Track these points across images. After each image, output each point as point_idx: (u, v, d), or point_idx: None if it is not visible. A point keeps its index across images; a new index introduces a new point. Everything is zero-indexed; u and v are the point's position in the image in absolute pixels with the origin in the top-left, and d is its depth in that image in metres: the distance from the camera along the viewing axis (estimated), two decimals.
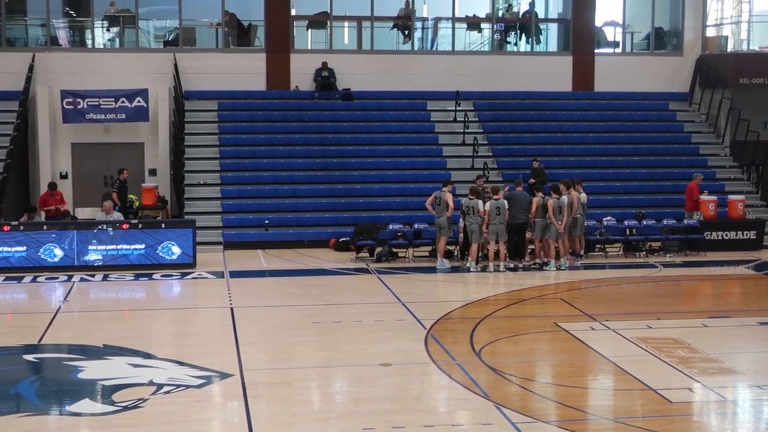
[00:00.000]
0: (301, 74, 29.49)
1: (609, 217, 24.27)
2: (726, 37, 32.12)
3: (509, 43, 32.15)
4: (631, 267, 22.22)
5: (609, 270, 21.95)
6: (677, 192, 26.92)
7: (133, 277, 20.53)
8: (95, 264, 21.16)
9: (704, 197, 24.59)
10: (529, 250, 22.27)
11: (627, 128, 29.72)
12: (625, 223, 23.89)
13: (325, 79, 29.27)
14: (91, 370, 13.20)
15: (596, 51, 31.06)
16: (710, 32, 31.87)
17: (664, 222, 23.99)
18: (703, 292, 20.45)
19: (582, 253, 22.51)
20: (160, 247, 21.47)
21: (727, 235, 24.28)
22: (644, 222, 23.86)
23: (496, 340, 14.94)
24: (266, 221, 24.92)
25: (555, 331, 15.50)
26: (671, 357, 13.70)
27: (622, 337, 15.01)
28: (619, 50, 32.05)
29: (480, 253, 21.32)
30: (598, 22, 31.37)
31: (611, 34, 32.22)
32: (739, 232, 24.41)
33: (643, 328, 15.59)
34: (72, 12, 30.50)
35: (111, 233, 21.31)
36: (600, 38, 31.68)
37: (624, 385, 12.64)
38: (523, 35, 31.93)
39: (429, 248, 22.86)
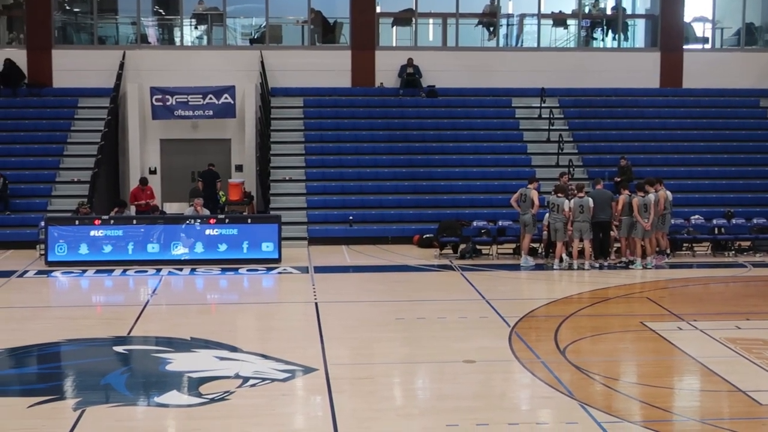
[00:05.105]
0: (386, 71, 29.60)
1: (697, 216, 23.89)
2: None
3: (595, 39, 31.83)
4: (719, 266, 21.81)
5: (696, 269, 21.59)
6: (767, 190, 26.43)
7: (219, 272, 20.81)
8: (182, 258, 21.51)
9: None
10: (614, 249, 22.04)
11: (716, 125, 29.19)
12: (714, 221, 23.48)
13: (410, 75, 29.34)
14: (178, 362, 13.42)
15: (685, 47, 30.59)
16: None
17: (754, 221, 23.54)
18: None
19: (668, 251, 22.17)
20: (246, 242, 21.74)
21: None
22: (733, 221, 23.44)
23: (581, 339, 14.82)
24: (350, 217, 25.04)
25: (641, 331, 15.31)
26: (761, 358, 13.44)
27: (710, 337, 14.77)
28: (708, 46, 31.50)
29: (564, 251, 21.16)
30: (686, 18, 30.89)
31: (700, 29, 31.69)
32: None
33: (732, 329, 15.32)
34: (161, 11, 31.06)
35: (198, 228, 21.65)
36: (689, 34, 31.19)
37: (712, 386, 12.43)
38: (610, 31, 31.60)
39: (513, 245, 22.76)
